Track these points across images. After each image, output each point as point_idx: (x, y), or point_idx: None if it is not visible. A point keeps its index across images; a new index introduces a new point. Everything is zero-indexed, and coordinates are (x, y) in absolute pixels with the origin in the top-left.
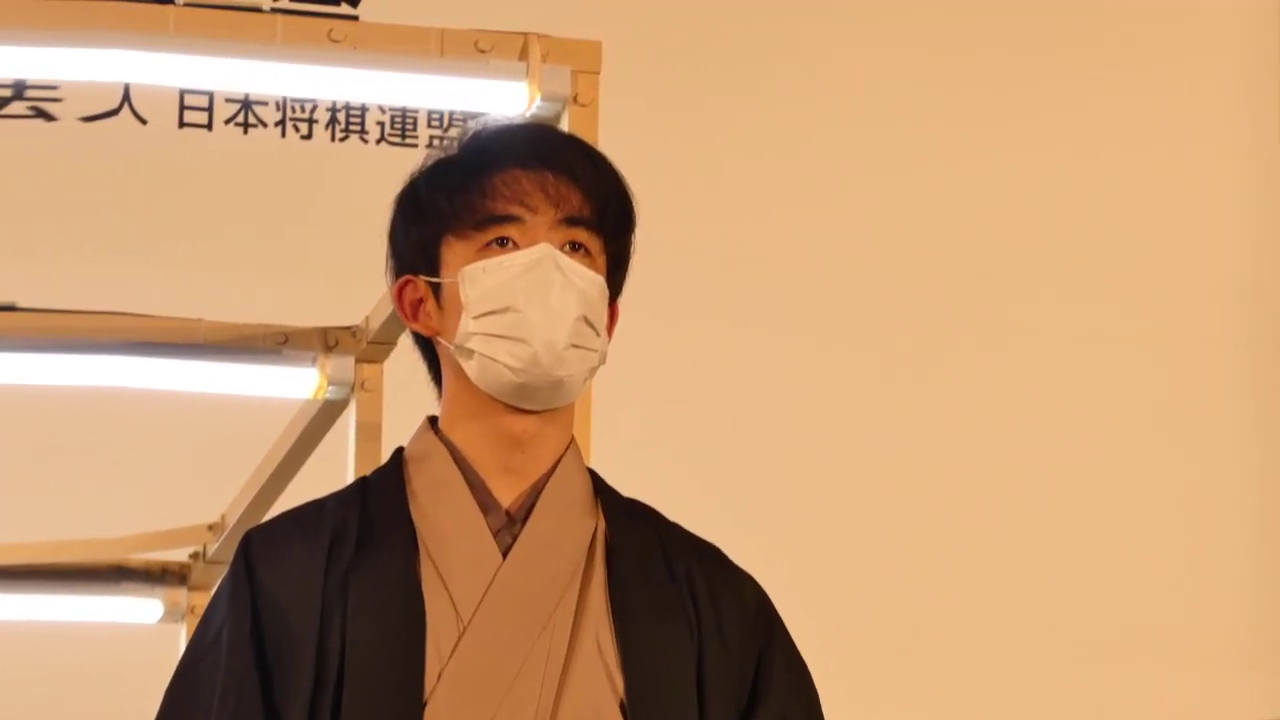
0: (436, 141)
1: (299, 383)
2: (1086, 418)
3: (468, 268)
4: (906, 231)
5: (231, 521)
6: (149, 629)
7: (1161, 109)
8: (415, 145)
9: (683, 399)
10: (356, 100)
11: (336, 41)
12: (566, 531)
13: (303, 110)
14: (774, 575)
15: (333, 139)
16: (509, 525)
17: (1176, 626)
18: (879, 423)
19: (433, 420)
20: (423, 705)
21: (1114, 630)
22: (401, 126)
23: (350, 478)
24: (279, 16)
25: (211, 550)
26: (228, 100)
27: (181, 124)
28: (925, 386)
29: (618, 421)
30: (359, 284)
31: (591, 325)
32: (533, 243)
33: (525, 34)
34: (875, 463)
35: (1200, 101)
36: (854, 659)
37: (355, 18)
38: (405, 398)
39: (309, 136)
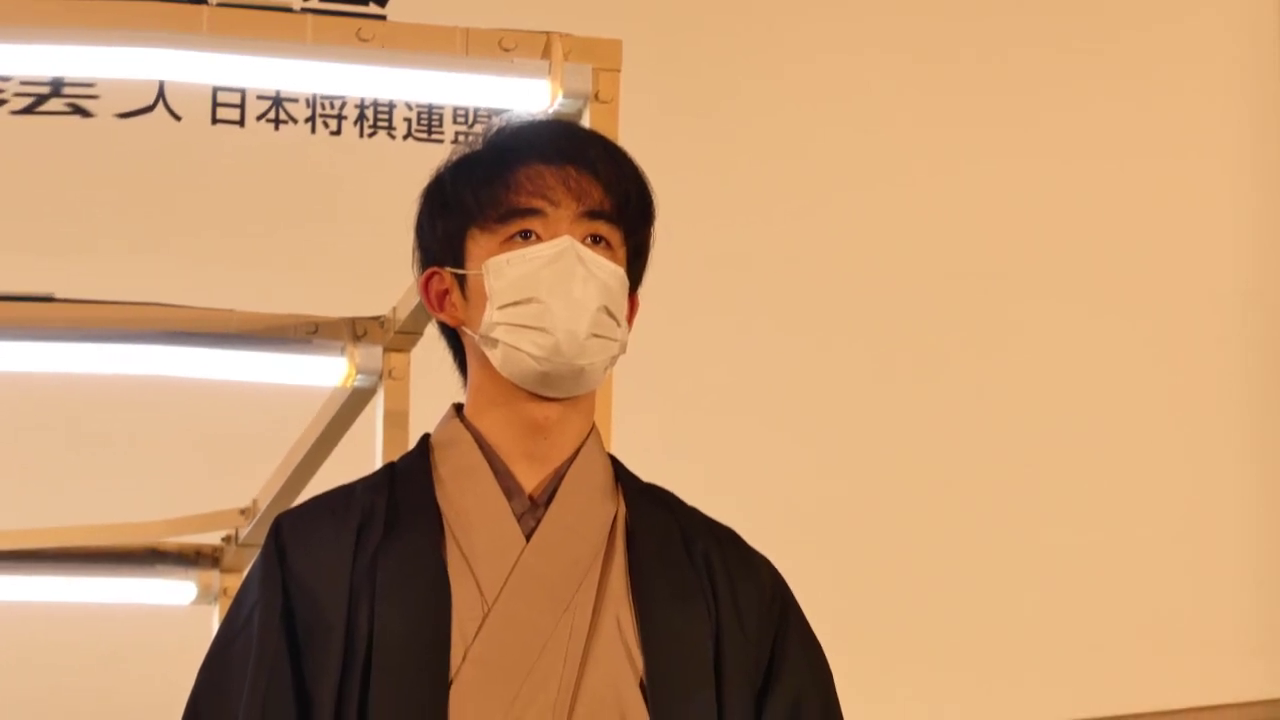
0: (462, 137)
1: (328, 371)
2: (1088, 415)
3: (492, 260)
4: (918, 234)
5: (263, 506)
6: (182, 610)
7: (1160, 112)
8: (441, 141)
9: (693, 397)
10: (384, 97)
11: (365, 40)
12: (588, 516)
13: (332, 107)
14: (782, 571)
15: (361, 135)
16: (532, 510)
17: (1177, 613)
18: (887, 423)
19: (458, 407)
20: (448, 685)
21: (1115, 618)
22: (428, 123)
23: (378, 463)
24: (309, 16)
25: (244, 534)
26: (259, 97)
27: (214, 120)
28: (933, 387)
29: (631, 422)
30: (386, 275)
31: (612, 315)
32: (555, 235)
33: (548, 33)
34: (882, 462)
35: (1199, 104)
36: (863, 656)
37: (383, 17)
38: (431, 385)
39: (338, 132)
